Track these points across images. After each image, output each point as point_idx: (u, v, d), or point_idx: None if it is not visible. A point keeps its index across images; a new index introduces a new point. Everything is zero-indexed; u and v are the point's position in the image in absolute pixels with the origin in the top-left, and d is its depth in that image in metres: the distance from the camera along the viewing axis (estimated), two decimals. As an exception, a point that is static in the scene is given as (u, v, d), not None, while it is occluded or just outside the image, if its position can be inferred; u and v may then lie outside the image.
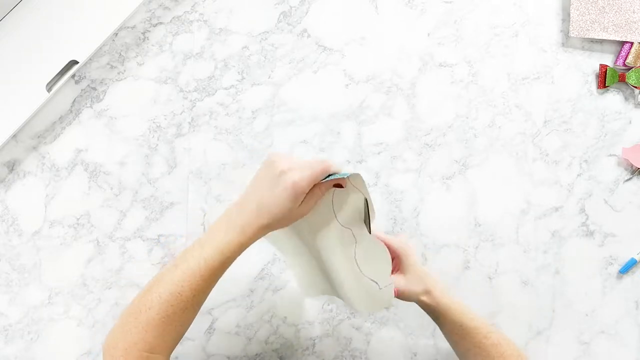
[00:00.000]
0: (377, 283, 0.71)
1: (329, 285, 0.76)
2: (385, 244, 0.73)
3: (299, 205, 0.65)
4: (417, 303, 0.75)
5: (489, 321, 0.89)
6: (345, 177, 0.66)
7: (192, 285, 0.61)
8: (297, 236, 0.74)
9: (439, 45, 0.92)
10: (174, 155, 0.89)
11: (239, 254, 0.64)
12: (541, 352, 0.89)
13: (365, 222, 0.71)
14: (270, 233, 0.70)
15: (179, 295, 0.61)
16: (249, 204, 0.65)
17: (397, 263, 0.76)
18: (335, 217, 0.70)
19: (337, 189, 0.69)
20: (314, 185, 0.66)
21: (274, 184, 0.64)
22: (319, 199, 0.67)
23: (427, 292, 0.74)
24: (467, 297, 0.89)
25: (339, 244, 0.70)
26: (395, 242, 0.76)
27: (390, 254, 0.73)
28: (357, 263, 0.70)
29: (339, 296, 0.77)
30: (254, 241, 0.64)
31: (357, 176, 0.68)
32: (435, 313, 0.75)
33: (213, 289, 0.64)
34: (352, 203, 0.70)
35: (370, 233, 0.72)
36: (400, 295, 0.74)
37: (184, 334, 0.63)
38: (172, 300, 0.60)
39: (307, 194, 0.66)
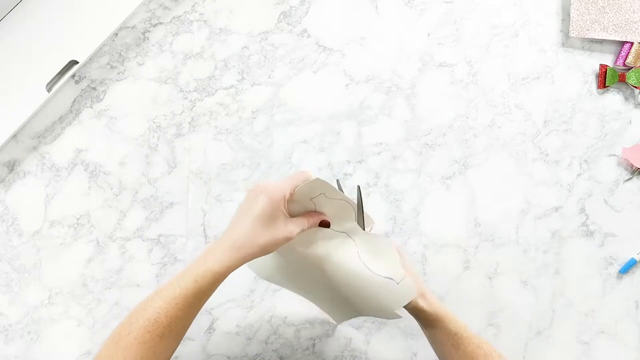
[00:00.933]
0: (392, 279, 0.69)
1: (350, 306, 0.75)
2: None
3: (283, 223, 0.64)
4: (409, 308, 0.73)
5: (488, 321, 0.89)
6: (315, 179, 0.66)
7: (168, 313, 0.60)
8: (301, 269, 0.73)
9: (439, 45, 0.92)
10: (174, 155, 0.89)
11: (215, 284, 0.63)
12: (541, 352, 0.89)
13: (358, 223, 0.71)
14: (279, 275, 0.70)
15: (155, 321, 0.60)
16: (228, 231, 0.65)
17: None
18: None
19: (323, 228, 0.70)
20: (305, 213, 0.67)
21: (252, 203, 0.64)
22: (306, 227, 0.67)
23: (423, 296, 0.72)
24: (467, 297, 0.89)
25: (340, 252, 0.70)
26: None
27: None
28: (365, 265, 0.69)
29: (363, 314, 0.75)
30: (232, 269, 0.63)
31: (323, 183, 0.67)
32: (430, 320, 0.72)
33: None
34: (339, 210, 0.70)
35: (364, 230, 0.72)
36: None
37: None
38: (149, 327, 0.60)
39: (295, 217, 0.66)
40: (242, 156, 0.90)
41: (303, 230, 0.67)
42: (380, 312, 0.72)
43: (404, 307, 0.72)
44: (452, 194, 0.91)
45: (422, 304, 0.72)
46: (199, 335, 0.87)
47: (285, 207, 0.65)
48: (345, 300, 0.74)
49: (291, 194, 0.66)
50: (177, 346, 0.63)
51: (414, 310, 0.73)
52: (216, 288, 0.64)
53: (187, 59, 0.90)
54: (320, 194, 0.68)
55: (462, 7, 0.93)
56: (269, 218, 0.63)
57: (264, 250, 0.64)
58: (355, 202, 0.70)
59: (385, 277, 0.69)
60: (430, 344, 0.75)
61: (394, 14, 0.93)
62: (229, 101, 0.90)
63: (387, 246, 0.71)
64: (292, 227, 0.65)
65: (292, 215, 0.67)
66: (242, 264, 0.64)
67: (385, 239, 0.71)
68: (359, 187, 0.72)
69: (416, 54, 0.92)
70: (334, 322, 0.80)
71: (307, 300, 0.80)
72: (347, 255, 0.70)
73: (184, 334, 0.63)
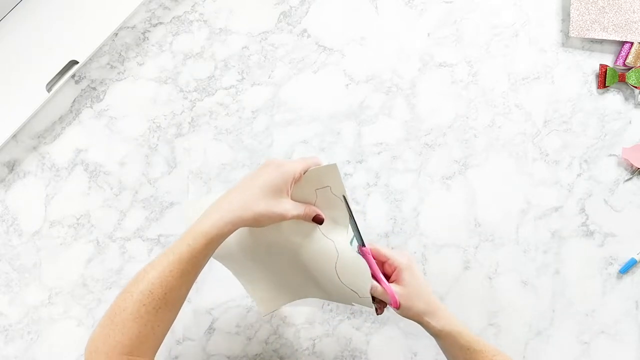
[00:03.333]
0: (356, 293, 0.70)
1: (303, 286, 0.75)
2: (386, 257, 0.72)
3: (284, 200, 0.64)
4: (420, 323, 0.72)
5: (488, 321, 0.89)
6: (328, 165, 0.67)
7: (163, 283, 0.59)
8: (263, 248, 0.72)
9: (439, 45, 0.92)
10: (174, 155, 0.89)
11: (208, 247, 0.61)
12: (541, 352, 0.89)
13: (350, 222, 0.71)
14: (227, 251, 0.69)
15: (150, 293, 0.59)
16: (228, 195, 0.64)
17: (397, 275, 0.72)
18: (318, 227, 0.70)
19: (315, 224, 0.70)
20: (306, 204, 0.67)
21: (261, 173, 0.64)
22: (301, 213, 0.67)
23: (432, 315, 0.71)
24: (467, 297, 0.89)
25: (321, 256, 0.70)
26: (396, 255, 0.73)
27: (390, 266, 0.72)
28: (337, 274, 0.70)
29: (315, 295, 0.75)
30: (223, 232, 0.62)
31: (333, 168, 0.67)
32: (441, 336, 0.72)
33: (189, 289, 0.63)
34: (336, 211, 0.70)
35: (356, 224, 0.72)
36: (401, 310, 0.71)
37: (162, 336, 0.61)
38: (144, 299, 0.59)
39: (296, 201, 0.66)
40: (242, 156, 0.90)
41: (298, 217, 0.67)
42: (341, 302, 0.74)
43: (414, 318, 0.72)
44: (452, 194, 0.91)
45: (433, 322, 0.71)
46: (199, 335, 0.88)
47: (291, 186, 0.65)
48: (308, 278, 0.74)
49: (301, 175, 0.66)
50: (174, 320, 0.62)
51: (424, 325, 0.72)
52: (210, 253, 0.62)
53: (187, 59, 0.90)
54: (327, 186, 0.68)
55: (462, 7, 0.93)
56: (274, 190, 0.63)
57: (256, 220, 0.63)
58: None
59: (351, 290, 0.70)
60: (444, 354, 0.75)
61: (394, 14, 0.93)
62: (229, 101, 0.90)
63: (365, 271, 0.70)
64: (290, 208, 0.65)
65: (292, 200, 0.67)
66: (234, 229, 0.62)
67: (366, 266, 0.70)
68: (344, 196, 0.70)
69: (416, 54, 0.92)
70: (265, 311, 0.78)
71: (292, 295, 0.78)
72: (326, 260, 0.70)
73: (179, 307, 0.62)
